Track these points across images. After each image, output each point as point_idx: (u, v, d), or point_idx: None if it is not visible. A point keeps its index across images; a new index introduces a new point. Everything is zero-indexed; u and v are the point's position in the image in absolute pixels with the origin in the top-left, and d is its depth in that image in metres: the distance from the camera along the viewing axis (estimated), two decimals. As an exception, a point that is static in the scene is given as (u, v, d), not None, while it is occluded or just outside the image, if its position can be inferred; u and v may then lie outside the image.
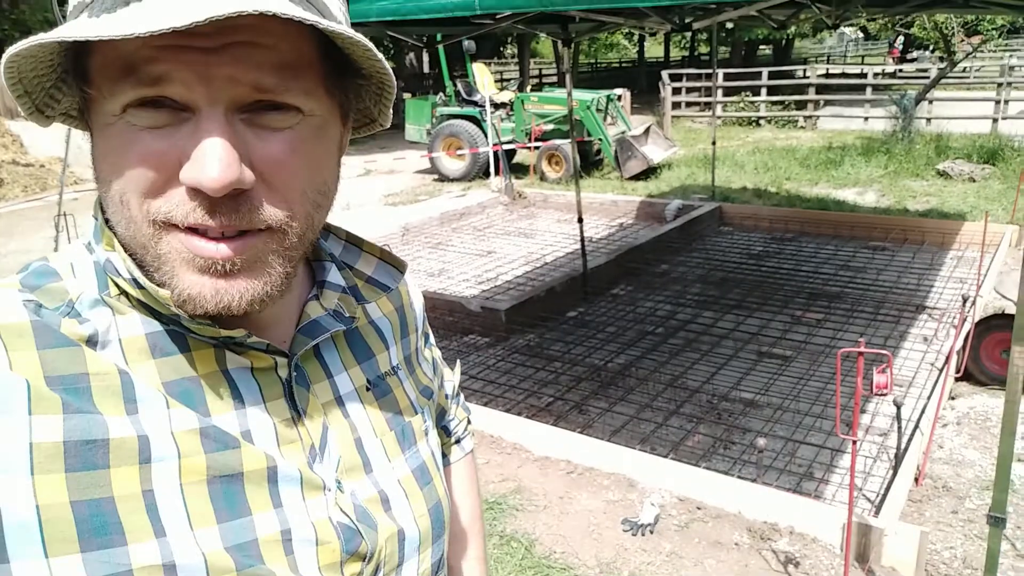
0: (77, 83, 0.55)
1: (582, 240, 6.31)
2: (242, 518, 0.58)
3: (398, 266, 0.78)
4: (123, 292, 0.59)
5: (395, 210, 9.92)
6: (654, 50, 42.72)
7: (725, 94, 16.85)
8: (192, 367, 0.60)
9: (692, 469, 3.38)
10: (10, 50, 0.49)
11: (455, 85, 11.80)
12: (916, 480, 3.43)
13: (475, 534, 1.00)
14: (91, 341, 0.56)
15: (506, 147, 10.68)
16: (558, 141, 10.89)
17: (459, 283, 6.71)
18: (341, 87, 0.60)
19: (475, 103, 11.50)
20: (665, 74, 16.55)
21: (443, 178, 11.67)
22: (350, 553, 0.64)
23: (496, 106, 11.53)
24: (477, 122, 11.29)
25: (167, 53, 0.50)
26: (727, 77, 17.05)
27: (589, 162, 11.37)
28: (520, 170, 11.69)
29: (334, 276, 0.72)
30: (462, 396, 1.05)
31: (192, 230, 0.54)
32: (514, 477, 3.44)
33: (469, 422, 1.04)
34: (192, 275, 0.55)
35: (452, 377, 1.02)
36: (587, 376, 4.72)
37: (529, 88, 14.28)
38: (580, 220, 6.28)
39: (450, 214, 9.11)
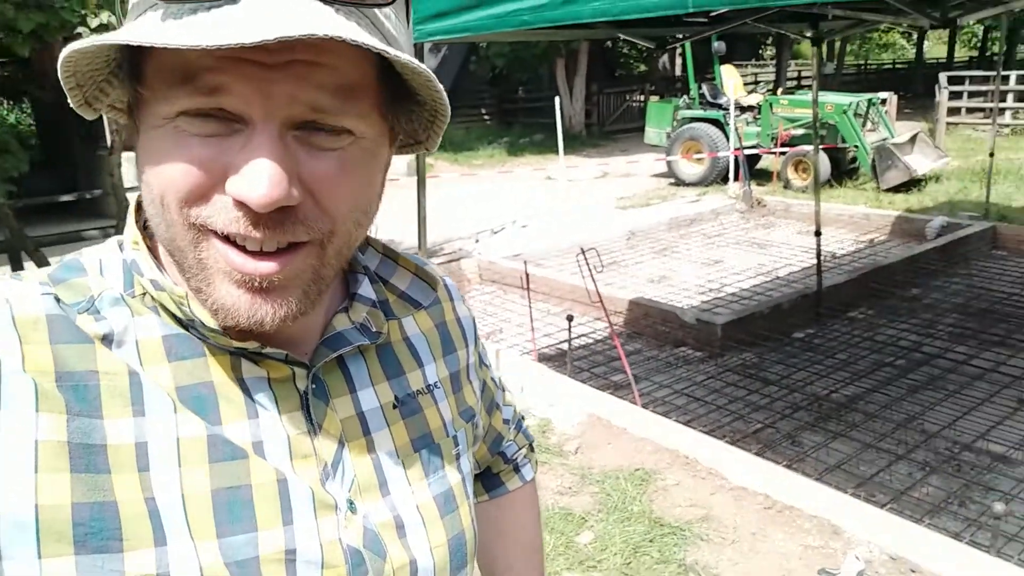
0: (130, 81, 0.55)
1: (818, 254, 5.83)
2: (246, 534, 0.56)
3: (431, 283, 0.77)
4: (146, 293, 0.60)
5: (624, 214, 9.85)
6: (937, 50, 38.44)
7: (1017, 100, 14.70)
8: (207, 373, 0.59)
9: (912, 525, 2.97)
10: (71, 47, 0.49)
11: (700, 88, 11.46)
12: None
13: (531, 570, 0.93)
14: (106, 339, 0.56)
15: (748, 152, 10.17)
16: (807, 147, 10.14)
17: (679, 291, 6.50)
18: (394, 111, 0.59)
19: (719, 106, 11.09)
20: (943, 76, 14.81)
21: (679, 183, 11.39)
22: None
23: (742, 109, 11.03)
24: (720, 126, 10.88)
25: (228, 64, 0.50)
26: (1020, 80, 14.87)
27: (842, 171, 10.41)
28: (763, 176, 11.07)
29: (366, 289, 0.71)
30: (524, 423, 1.00)
31: (229, 240, 0.53)
32: (704, 504, 3.23)
33: (532, 449, 0.99)
34: (229, 286, 0.54)
35: (512, 401, 0.96)
36: (805, 405, 4.34)
37: (781, 91, 13.49)
38: (818, 232, 5.81)
39: (680, 219, 8.86)
